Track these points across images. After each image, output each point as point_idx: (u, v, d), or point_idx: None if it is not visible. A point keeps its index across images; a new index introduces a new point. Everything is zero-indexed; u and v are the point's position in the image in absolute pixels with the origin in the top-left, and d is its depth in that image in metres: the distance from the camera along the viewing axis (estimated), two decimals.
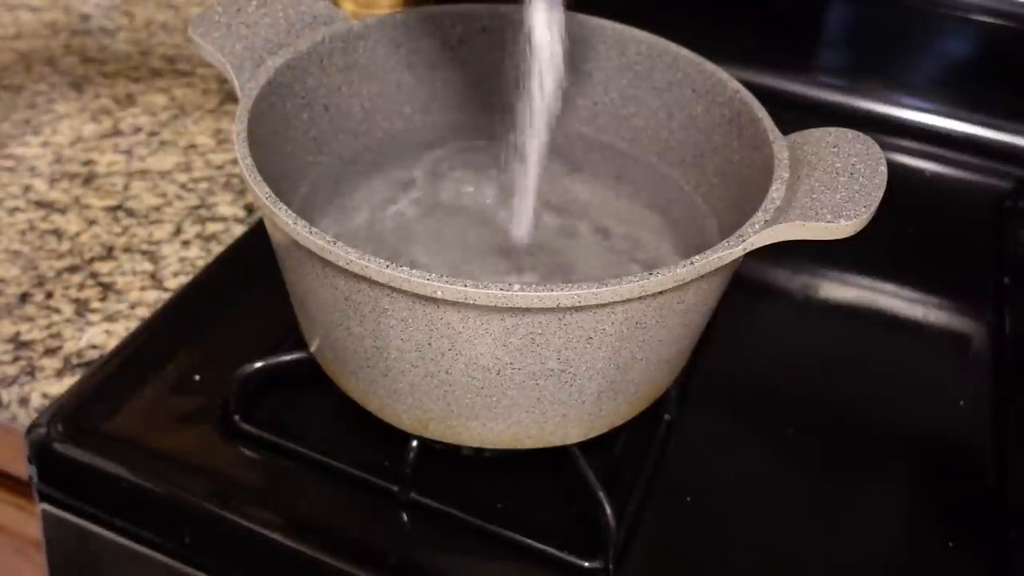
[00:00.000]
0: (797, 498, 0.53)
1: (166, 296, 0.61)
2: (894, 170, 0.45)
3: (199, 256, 0.64)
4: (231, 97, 0.81)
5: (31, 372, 0.55)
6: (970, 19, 0.79)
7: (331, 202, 0.55)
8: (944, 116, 0.82)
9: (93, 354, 0.56)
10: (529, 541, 0.48)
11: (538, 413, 0.45)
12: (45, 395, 0.54)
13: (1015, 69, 0.80)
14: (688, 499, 0.51)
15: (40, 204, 0.68)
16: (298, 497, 0.50)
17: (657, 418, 0.54)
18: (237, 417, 0.52)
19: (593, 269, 0.53)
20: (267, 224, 0.46)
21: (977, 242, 0.73)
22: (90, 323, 0.58)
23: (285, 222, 0.40)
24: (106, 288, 0.61)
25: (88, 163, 0.72)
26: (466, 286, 0.38)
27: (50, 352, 0.56)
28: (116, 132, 0.76)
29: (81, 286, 0.61)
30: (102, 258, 0.63)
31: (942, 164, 0.81)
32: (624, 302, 0.40)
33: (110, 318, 0.59)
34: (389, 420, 0.48)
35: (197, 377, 0.55)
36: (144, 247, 0.64)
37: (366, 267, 0.39)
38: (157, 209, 0.68)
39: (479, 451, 0.51)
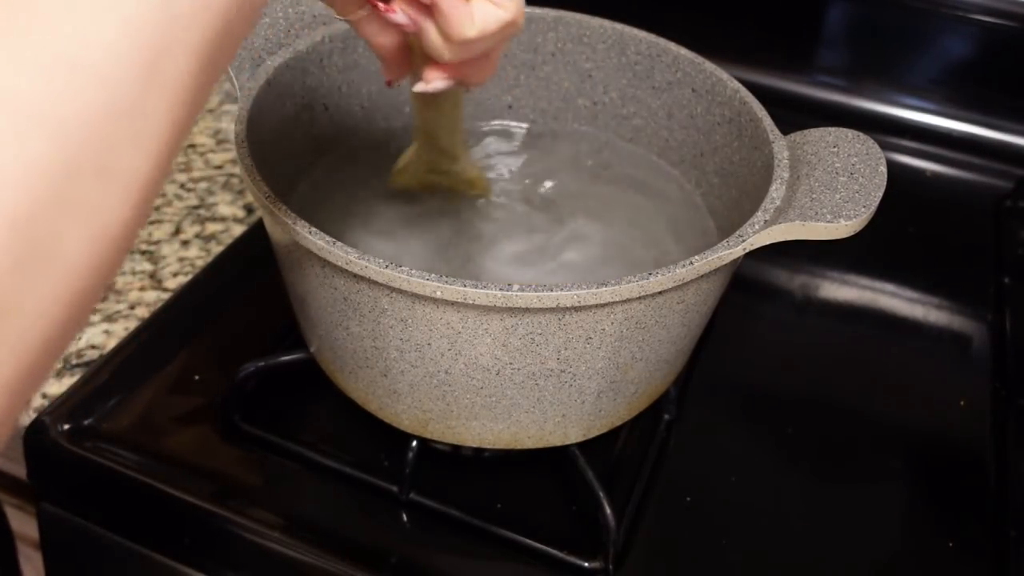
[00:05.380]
0: (797, 498, 0.52)
1: (166, 296, 0.61)
2: (894, 170, 0.45)
3: (199, 256, 0.64)
4: (231, 97, 0.81)
5: None
6: (970, 19, 0.79)
7: (331, 202, 0.55)
8: (944, 116, 0.82)
9: (93, 354, 0.56)
10: (529, 541, 0.48)
11: (538, 413, 0.45)
12: (44, 395, 0.54)
13: (1015, 69, 0.80)
14: (688, 499, 0.51)
15: None
16: (298, 497, 0.50)
17: (657, 418, 0.54)
18: (237, 417, 0.52)
19: (591, 269, 0.53)
20: (267, 224, 0.46)
21: (977, 242, 0.73)
22: (90, 323, 0.58)
23: (285, 222, 0.40)
24: (106, 288, 0.61)
25: None
26: (465, 286, 0.38)
27: None
28: None
29: None
30: None
31: (942, 164, 0.81)
32: (624, 302, 0.40)
33: (110, 318, 0.59)
34: (389, 420, 0.48)
35: (197, 377, 0.55)
36: (144, 247, 0.64)
37: (366, 267, 0.39)
38: (157, 209, 0.68)
39: (479, 451, 0.51)
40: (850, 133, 0.46)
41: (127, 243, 0.25)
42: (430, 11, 0.39)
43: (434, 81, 0.42)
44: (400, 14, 0.40)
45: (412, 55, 0.44)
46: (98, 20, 0.23)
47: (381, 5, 0.40)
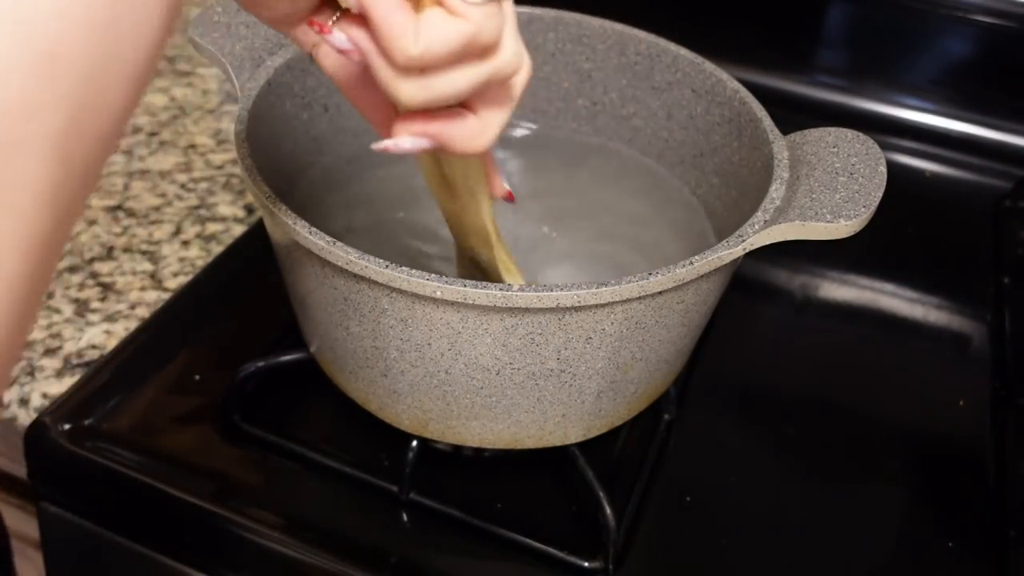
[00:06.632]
0: (796, 498, 0.52)
1: (166, 296, 0.61)
2: (894, 170, 0.45)
3: (199, 256, 0.64)
4: (231, 97, 0.81)
5: (31, 372, 0.55)
6: (970, 19, 0.79)
7: (330, 202, 0.55)
8: (944, 116, 0.82)
9: (93, 354, 0.56)
10: (529, 541, 0.48)
11: (538, 413, 0.45)
12: (45, 395, 0.54)
13: (1015, 69, 0.80)
14: (688, 499, 0.51)
15: None
16: (298, 497, 0.50)
17: (657, 418, 0.54)
18: (237, 417, 0.52)
19: (592, 269, 0.53)
20: (267, 224, 0.46)
21: (977, 242, 0.73)
22: (90, 323, 0.58)
23: (285, 222, 0.40)
24: (106, 288, 0.61)
25: None
26: (465, 286, 0.38)
27: (50, 352, 0.56)
28: None
29: (81, 286, 0.61)
30: (102, 258, 0.63)
31: (942, 164, 0.81)
32: (624, 302, 0.40)
33: (110, 318, 0.59)
34: (389, 420, 0.48)
35: (197, 377, 0.55)
36: (144, 247, 0.65)
37: (366, 267, 0.39)
38: (157, 209, 0.68)
39: (479, 451, 0.51)
40: (850, 133, 0.46)
41: None
42: (367, 25, 0.30)
43: (401, 138, 0.33)
44: (338, 34, 0.31)
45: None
46: None
47: (318, 23, 0.32)
